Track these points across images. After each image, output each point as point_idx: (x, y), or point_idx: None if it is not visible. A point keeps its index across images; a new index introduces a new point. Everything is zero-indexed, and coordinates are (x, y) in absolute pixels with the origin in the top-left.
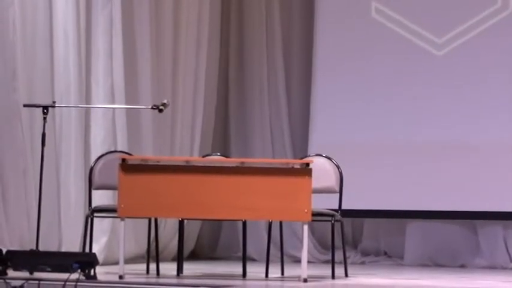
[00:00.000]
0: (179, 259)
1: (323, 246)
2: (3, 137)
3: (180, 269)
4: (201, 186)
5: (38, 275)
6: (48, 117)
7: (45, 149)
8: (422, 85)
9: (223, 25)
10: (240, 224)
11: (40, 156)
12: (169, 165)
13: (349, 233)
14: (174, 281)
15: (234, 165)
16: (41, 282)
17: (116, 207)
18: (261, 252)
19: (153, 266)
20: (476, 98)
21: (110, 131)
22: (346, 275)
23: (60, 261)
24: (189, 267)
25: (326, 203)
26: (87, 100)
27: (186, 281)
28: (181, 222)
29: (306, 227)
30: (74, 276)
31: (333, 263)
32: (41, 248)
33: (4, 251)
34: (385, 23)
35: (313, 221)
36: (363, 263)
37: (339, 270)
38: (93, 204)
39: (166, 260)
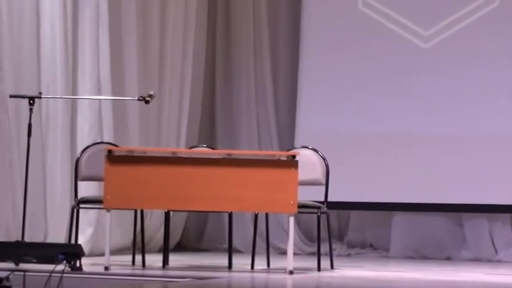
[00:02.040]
0: (165, 251)
1: (309, 239)
2: None
3: (166, 261)
4: (187, 178)
5: (23, 266)
6: (35, 108)
7: (31, 140)
8: (408, 77)
9: (210, 18)
10: (226, 216)
11: (26, 147)
12: (156, 157)
13: (335, 225)
14: (160, 272)
15: (220, 156)
16: (27, 273)
17: (102, 199)
18: (247, 244)
19: (139, 257)
20: (462, 90)
21: (96, 122)
22: (332, 267)
23: (45, 252)
24: (175, 259)
25: (312, 195)
26: (74, 91)
27: (171, 273)
28: (167, 214)
29: (292, 219)
30: (60, 267)
31: (318, 255)
32: (27, 239)
33: None
34: (372, 16)
35: (299, 213)
36: (348, 255)
37: (325, 263)
38: (79, 196)
39: (152, 252)
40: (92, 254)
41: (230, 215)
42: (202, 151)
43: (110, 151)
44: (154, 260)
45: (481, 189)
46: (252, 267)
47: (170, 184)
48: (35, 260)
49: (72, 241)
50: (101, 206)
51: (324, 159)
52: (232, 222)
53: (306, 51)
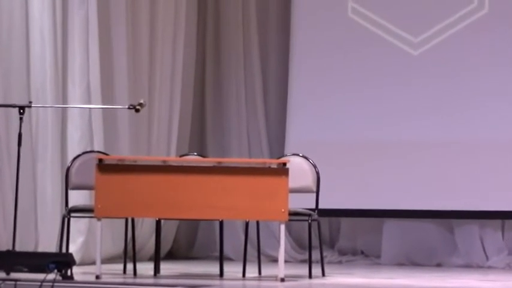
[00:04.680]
0: (156, 259)
1: (300, 246)
2: None
3: (157, 269)
4: (178, 186)
5: (14, 275)
6: (25, 117)
7: (22, 149)
8: (398, 84)
9: (199, 25)
10: (217, 224)
11: (16, 157)
12: (146, 165)
13: (326, 232)
14: (151, 281)
15: (210, 165)
16: (18, 282)
17: (93, 207)
18: (238, 252)
19: (130, 266)
20: (452, 96)
21: (86, 131)
22: (323, 275)
23: (36, 261)
24: (166, 267)
25: (303, 202)
26: (64, 100)
27: (163, 281)
28: (158, 222)
29: (283, 227)
30: (51, 276)
31: (309, 262)
32: (18, 249)
33: None
34: (362, 23)
35: (290, 220)
36: (339, 262)
37: (316, 270)
38: (70, 204)
39: (143, 260)
40: (83, 263)
41: (221, 223)
42: (193, 159)
43: (100, 160)
44: (145, 268)
45: (471, 195)
46: (244, 275)
47: (161, 192)
48: (26, 269)
49: (63, 250)
50: (92, 215)
51: (315, 166)
52: (223, 230)
53: (296, 58)
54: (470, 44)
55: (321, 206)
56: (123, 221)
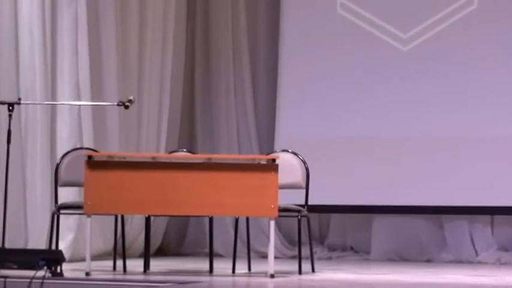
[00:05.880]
0: (146, 255)
1: (290, 242)
2: None
3: (147, 266)
4: (168, 183)
5: (4, 272)
6: (14, 114)
7: (11, 146)
8: (387, 80)
9: (189, 22)
10: (207, 220)
11: (6, 154)
12: (136, 162)
13: (315, 228)
14: (141, 277)
15: (200, 161)
16: (7, 279)
17: (82, 204)
18: (227, 248)
19: (119, 262)
20: (441, 92)
21: (75, 127)
22: (313, 271)
23: (26, 258)
24: (156, 264)
25: (292, 198)
26: (53, 97)
27: (153, 278)
28: (147, 219)
29: (272, 223)
30: (40, 273)
31: (299, 258)
32: (7, 245)
33: None
34: (351, 19)
35: (279, 216)
36: (329, 258)
37: (306, 266)
38: (59, 201)
39: (133, 257)
40: (72, 260)
41: (211, 219)
42: (182, 156)
43: (89, 156)
44: (135, 265)
45: (461, 191)
46: (233, 271)
47: (150, 189)
48: (15, 266)
49: (53, 247)
50: (82, 212)
51: (304, 162)
52: (213, 227)
53: (285, 54)
54: (459, 39)
55: (310, 202)
56: (113, 217)
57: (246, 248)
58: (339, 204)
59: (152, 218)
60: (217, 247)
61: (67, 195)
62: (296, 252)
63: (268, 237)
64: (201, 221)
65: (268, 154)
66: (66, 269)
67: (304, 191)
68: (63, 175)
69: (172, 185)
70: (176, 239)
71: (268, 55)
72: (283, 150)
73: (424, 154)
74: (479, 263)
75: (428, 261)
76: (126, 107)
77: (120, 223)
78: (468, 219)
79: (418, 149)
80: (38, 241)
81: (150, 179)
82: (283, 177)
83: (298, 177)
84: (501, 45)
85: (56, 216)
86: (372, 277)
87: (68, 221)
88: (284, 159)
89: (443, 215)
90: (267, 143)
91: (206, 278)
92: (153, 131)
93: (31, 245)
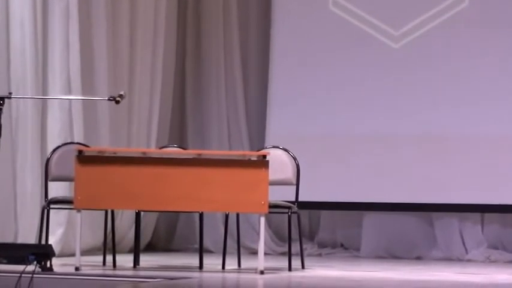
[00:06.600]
0: (136, 251)
1: (280, 238)
2: None
3: (136, 261)
4: (158, 178)
5: None
6: (4, 108)
7: (1, 140)
8: (379, 77)
9: (180, 17)
10: (197, 216)
11: None
12: (126, 157)
13: (305, 225)
14: (131, 272)
15: (190, 157)
16: None
17: (72, 199)
18: (217, 244)
19: (109, 257)
20: (432, 90)
21: (66, 122)
22: (303, 267)
23: (16, 253)
24: (145, 259)
25: (283, 195)
26: (44, 92)
27: (142, 273)
28: (137, 214)
29: (262, 219)
30: (30, 268)
31: (289, 255)
32: None
33: None
34: (343, 16)
35: (270, 213)
36: (319, 255)
37: (296, 262)
38: (50, 196)
39: (122, 252)
40: (62, 255)
41: (201, 215)
42: (173, 151)
43: (80, 151)
44: (125, 260)
45: (451, 188)
46: (223, 267)
47: (141, 184)
48: (5, 261)
49: (43, 242)
50: (72, 207)
51: (295, 159)
52: (203, 223)
53: (277, 51)
54: (450, 37)
55: (300, 199)
56: (103, 212)
57: (236, 244)
58: (329, 201)
59: (142, 213)
60: (207, 243)
61: (57, 189)
62: (286, 249)
63: (258, 233)
64: (191, 216)
65: (258, 150)
66: (56, 263)
67: (294, 187)
68: (53, 170)
69: (163, 181)
70: (166, 234)
71: (259, 51)
72: (274, 147)
73: (414, 151)
74: (469, 260)
75: (418, 258)
76: (117, 102)
77: (110, 218)
78: (458, 217)
79: (408, 146)
80: (28, 236)
81: (141, 175)
82: (273, 173)
83: (288, 173)
84: (492, 43)
85: (46, 210)
86: (361, 274)
87: (58, 216)
88: (275, 156)
89: (433, 212)
90: (258, 139)
91: (196, 274)
92: (144, 126)
93: (21, 240)
